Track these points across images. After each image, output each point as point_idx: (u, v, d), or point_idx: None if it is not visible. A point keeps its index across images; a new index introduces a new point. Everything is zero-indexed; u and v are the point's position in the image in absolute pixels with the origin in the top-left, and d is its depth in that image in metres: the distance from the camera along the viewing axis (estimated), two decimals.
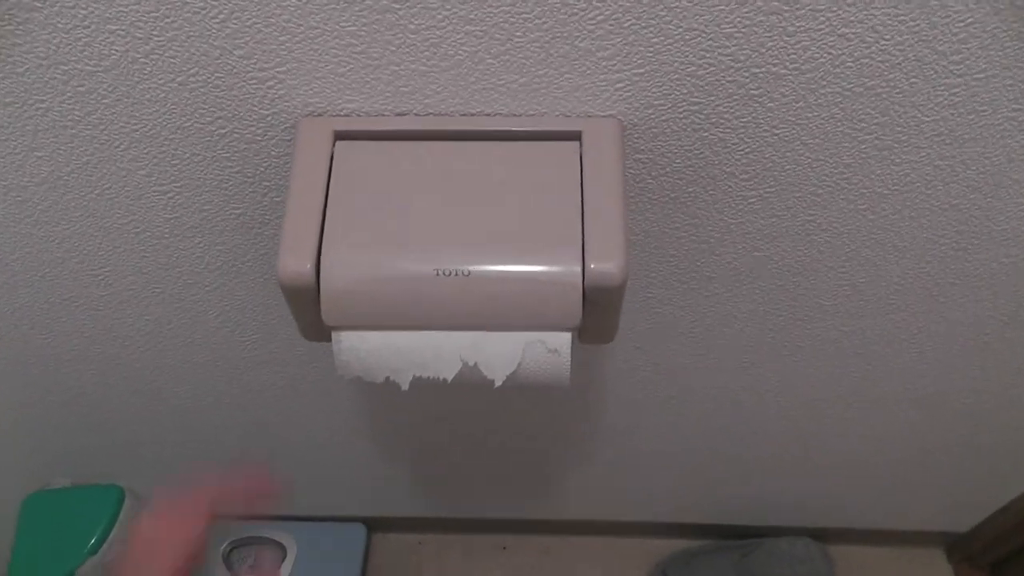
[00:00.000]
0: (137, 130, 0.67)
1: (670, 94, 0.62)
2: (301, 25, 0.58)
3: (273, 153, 0.69)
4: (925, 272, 0.83)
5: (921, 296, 0.87)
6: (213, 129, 0.67)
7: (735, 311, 0.89)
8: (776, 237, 0.78)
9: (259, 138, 0.68)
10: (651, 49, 0.59)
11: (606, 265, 0.59)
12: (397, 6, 0.56)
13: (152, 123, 0.66)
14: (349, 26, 0.58)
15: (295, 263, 0.59)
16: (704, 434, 1.18)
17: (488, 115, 0.64)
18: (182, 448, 1.24)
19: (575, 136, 0.63)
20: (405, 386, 0.62)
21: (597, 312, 0.62)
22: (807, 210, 0.75)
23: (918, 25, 0.57)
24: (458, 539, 1.57)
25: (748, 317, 0.90)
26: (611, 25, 0.57)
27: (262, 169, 0.71)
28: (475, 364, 0.61)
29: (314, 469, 1.32)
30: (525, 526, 1.54)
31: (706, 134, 0.66)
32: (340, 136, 0.64)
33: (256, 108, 0.65)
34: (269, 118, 0.66)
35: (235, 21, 0.58)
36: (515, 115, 0.64)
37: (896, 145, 0.67)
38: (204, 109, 0.65)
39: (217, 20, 0.58)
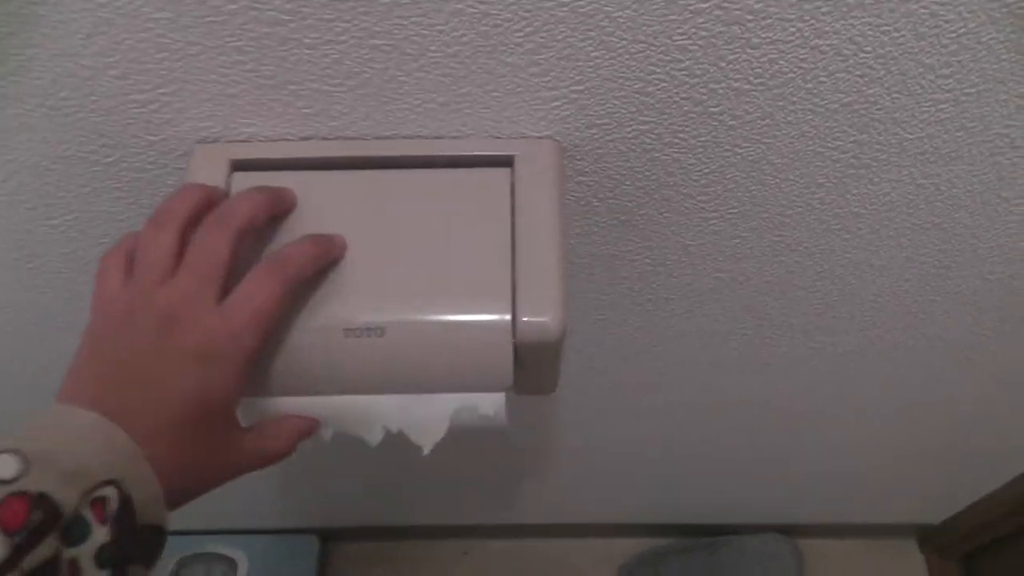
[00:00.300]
0: (12, 160, 0.58)
1: (615, 112, 0.54)
2: (178, 40, 0.49)
3: (168, 182, 0.61)
4: (903, 290, 0.76)
5: (898, 313, 0.79)
6: (97, 158, 0.58)
7: (696, 331, 0.82)
8: (740, 258, 0.70)
9: (151, 166, 0.59)
10: (591, 64, 0.50)
11: (540, 319, 0.50)
12: (286, 18, 0.47)
13: (26, 152, 0.57)
14: (234, 41, 0.49)
15: None
16: (667, 445, 1.11)
17: (406, 138, 0.55)
18: None
19: (507, 161, 0.55)
20: (327, 438, 0.55)
21: (533, 367, 0.54)
22: (774, 231, 0.67)
23: (903, 36, 0.49)
24: (417, 545, 1.50)
25: (710, 336, 0.83)
26: (542, 38, 0.48)
27: (157, 199, 0.62)
28: (400, 431, 0.53)
29: (263, 481, 1.24)
30: (486, 531, 1.48)
31: (658, 155, 0.58)
32: (237, 165, 0.55)
33: (142, 134, 0.56)
34: (158, 144, 0.57)
35: (102, 37, 0.49)
36: (437, 138, 0.55)
37: (875, 164, 0.60)
38: (84, 137, 0.56)
39: (81, 36, 0.49)
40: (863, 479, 1.26)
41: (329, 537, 1.48)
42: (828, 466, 1.20)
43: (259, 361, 0.47)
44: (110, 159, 0.58)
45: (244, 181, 0.54)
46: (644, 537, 1.50)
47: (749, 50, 0.49)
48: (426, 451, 0.54)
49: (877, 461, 1.17)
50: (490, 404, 0.53)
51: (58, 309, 0.76)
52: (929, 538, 1.50)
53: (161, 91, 0.53)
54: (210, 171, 0.55)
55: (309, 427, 0.52)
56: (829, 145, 0.58)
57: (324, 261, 0.50)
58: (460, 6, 0.46)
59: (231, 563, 1.38)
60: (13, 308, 0.76)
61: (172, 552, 1.38)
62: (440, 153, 0.55)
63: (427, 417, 0.53)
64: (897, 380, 0.93)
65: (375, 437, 0.54)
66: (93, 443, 0.39)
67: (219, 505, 1.29)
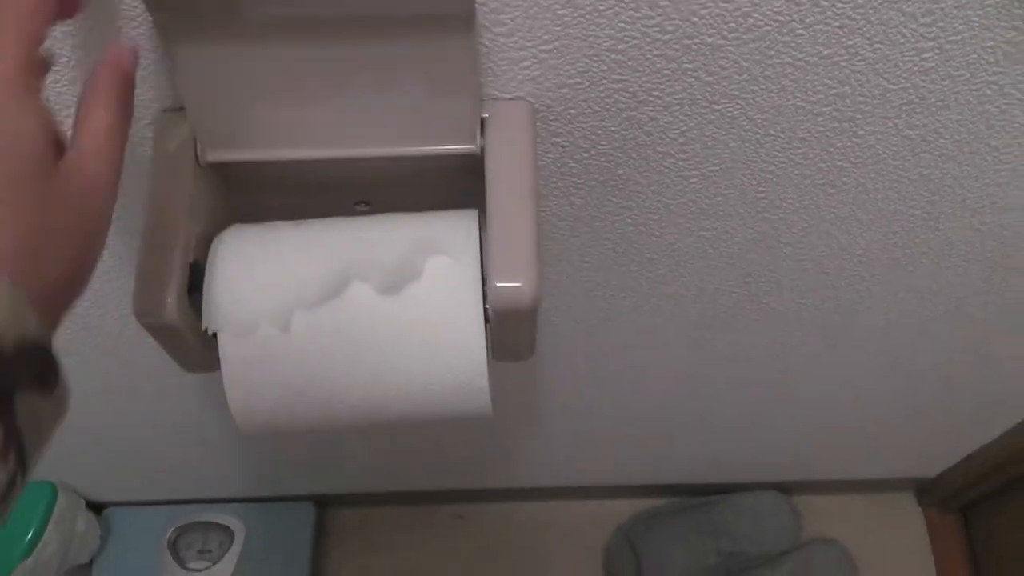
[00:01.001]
0: None
1: (586, 72, 0.52)
2: (136, 7, 0.48)
3: (136, 153, 0.58)
4: (892, 243, 0.74)
5: (887, 267, 0.78)
6: (63, 130, 0.55)
7: (682, 290, 0.80)
8: (723, 216, 0.68)
9: None
10: (558, 22, 0.48)
11: (514, 284, 0.49)
12: None
13: None
14: None
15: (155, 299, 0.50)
16: (659, 405, 1.10)
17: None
18: (108, 446, 1.15)
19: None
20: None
21: (509, 333, 0.53)
22: (757, 188, 0.65)
23: None
24: (411, 511, 1.50)
25: (696, 296, 0.81)
26: None
27: (129, 168, 0.60)
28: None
29: (258, 449, 1.24)
30: (480, 495, 1.48)
31: (634, 113, 0.56)
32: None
33: None
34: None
35: None
36: None
37: (859, 116, 0.58)
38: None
39: None
40: (858, 435, 1.25)
41: (325, 504, 1.47)
42: (822, 422, 1.19)
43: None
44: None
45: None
46: (640, 498, 1.49)
47: (722, 3, 0.47)
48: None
49: (871, 416, 1.16)
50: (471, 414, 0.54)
51: None
52: (927, 491, 1.50)
53: None
54: (173, 140, 0.53)
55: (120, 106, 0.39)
56: (810, 99, 0.56)
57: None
58: None
59: (227, 531, 1.38)
60: None
61: (169, 521, 1.38)
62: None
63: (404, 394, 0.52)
64: (888, 334, 0.92)
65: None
66: None
67: (215, 473, 1.29)
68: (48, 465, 1.25)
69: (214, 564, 1.37)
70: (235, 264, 0.52)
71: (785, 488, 1.46)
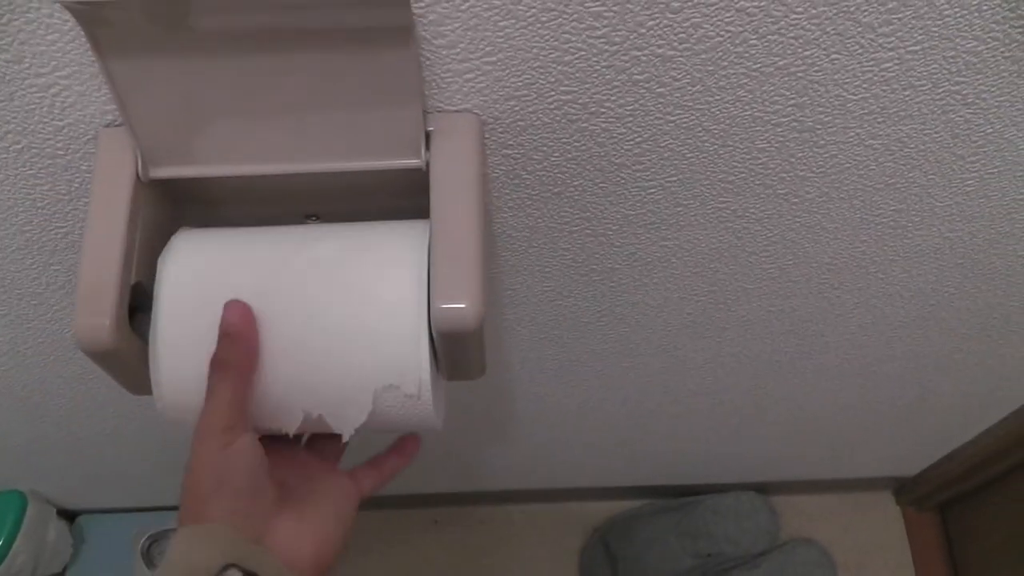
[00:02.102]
0: None
1: (533, 84, 0.50)
2: (67, 21, 0.45)
3: (83, 167, 0.57)
4: (860, 251, 0.73)
5: (857, 274, 0.77)
6: (6, 145, 0.55)
7: (646, 299, 0.79)
8: (684, 226, 0.67)
9: (62, 152, 0.56)
10: (500, 34, 0.46)
11: (457, 305, 0.47)
12: None
13: None
14: None
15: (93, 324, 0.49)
16: (633, 409, 1.09)
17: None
18: (79, 454, 1.13)
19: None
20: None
21: (456, 354, 0.51)
22: (718, 197, 0.64)
23: None
24: (388, 516, 1.48)
25: (662, 304, 0.80)
26: (444, 8, 0.44)
27: (76, 185, 0.59)
28: (319, 416, 0.50)
29: None
30: (456, 498, 1.46)
31: (585, 125, 0.54)
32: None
33: (48, 119, 0.53)
34: (66, 130, 0.54)
35: None
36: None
37: (819, 127, 0.56)
38: None
39: None
40: (835, 435, 1.24)
41: None
42: (799, 424, 1.18)
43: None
44: (19, 145, 0.55)
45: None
46: (617, 500, 1.48)
47: (669, 15, 0.46)
48: (346, 437, 0.50)
49: (848, 418, 1.15)
50: (412, 383, 0.49)
51: None
52: (905, 490, 1.49)
53: (58, 74, 0.49)
54: (116, 156, 0.52)
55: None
56: (767, 109, 0.54)
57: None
58: None
59: None
60: None
61: (143, 529, 1.36)
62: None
63: (347, 400, 0.49)
64: (861, 339, 0.91)
65: (293, 422, 0.50)
66: (194, 544, 0.44)
67: None
68: (18, 473, 1.23)
69: None
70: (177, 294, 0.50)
71: (763, 488, 1.45)
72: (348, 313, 0.48)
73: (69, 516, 1.40)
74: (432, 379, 0.49)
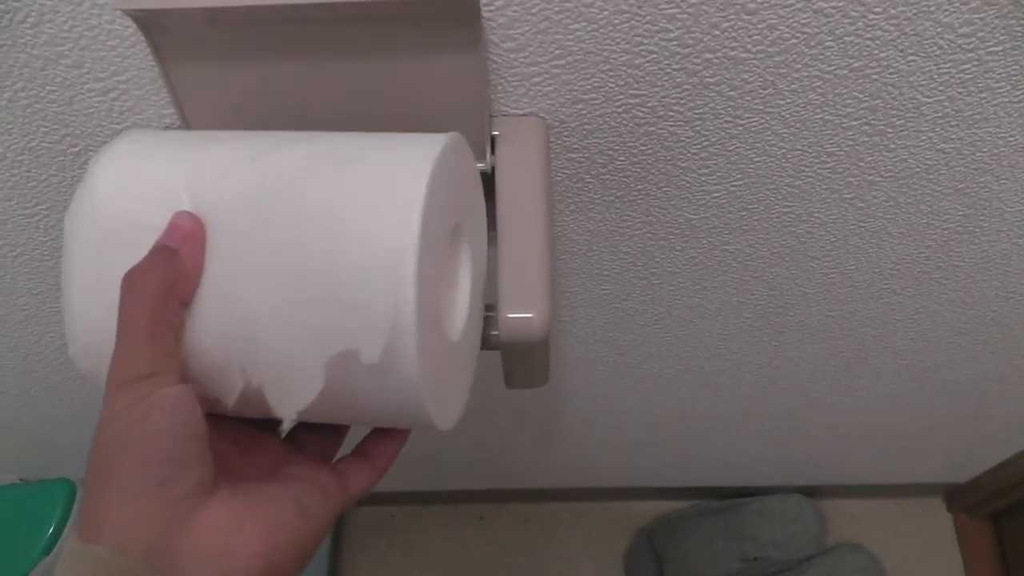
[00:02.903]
0: None
1: (602, 87, 0.49)
2: (128, 27, 0.45)
3: None
4: (924, 256, 0.71)
5: (919, 280, 0.75)
6: (63, 148, 0.55)
7: (705, 303, 0.78)
8: (747, 231, 0.66)
9: None
10: (570, 37, 0.46)
11: (525, 315, 0.47)
12: None
13: None
14: None
15: None
16: (684, 411, 1.08)
17: None
18: None
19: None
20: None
21: (521, 362, 0.50)
22: (783, 202, 0.62)
23: None
24: (432, 511, 1.48)
25: (720, 308, 0.79)
26: (514, 11, 0.44)
27: None
28: (258, 387, 0.36)
29: None
30: (501, 495, 1.46)
31: (653, 128, 0.53)
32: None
33: (105, 123, 0.53)
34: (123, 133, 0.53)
35: (49, 25, 0.45)
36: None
37: (890, 130, 0.55)
38: (46, 127, 0.53)
39: (28, 25, 0.46)
40: (886, 440, 1.22)
41: None
42: (850, 428, 1.16)
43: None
44: (76, 148, 0.55)
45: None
46: (664, 500, 1.47)
47: (745, 16, 0.45)
48: (287, 423, 0.36)
49: (901, 423, 1.13)
50: (377, 348, 0.34)
51: (47, 295, 0.74)
52: (956, 497, 1.47)
53: (118, 79, 0.49)
54: None
55: None
56: (839, 112, 0.53)
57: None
58: None
59: None
60: (2, 296, 0.74)
61: None
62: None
63: (293, 368, 0.35)
64: (920, 345, 0.89)
65: (233, 391, 0.37)
66: None
67: None
68: (67, 462, 1.25)
69: None
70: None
71: (811, 491, 1.43)
72: (309, 238, 0.35)
73: None
74: (419, 349, 0.34)
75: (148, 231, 0.36)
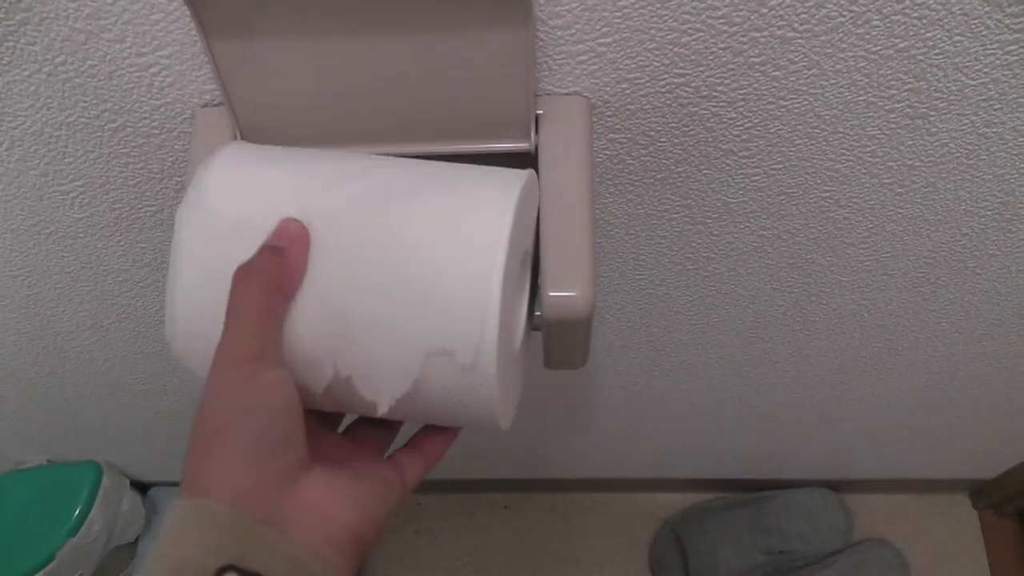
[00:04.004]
0: (16, 128, 0.56)
1: (647, 66, 0.50)
2: (173, 1, 0.46)
3: (177, 147, 0.58)
4: (960, 245, 0.71)
5: (955, 269, 0.75)
6: (101, 123, 0.56)
7: (739, 289, 0.78)
8: (785, 215, 0.66)
9: (157, 131, 0.57)
10: (618, 14, 0.46)
11: (568, 293, 0.47)
12: None
13: (29, 119, 0.55)
14: None
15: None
16: (713, 401, 1.08)
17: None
18: (153, 428, 1.15)
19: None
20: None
21: (563, 342, 0.51)
22: (822, 186, 0.62)
23: None
24: (457, 499, 1.49)
25: (754, 295, 0.79)
26: None
27: (169, 164, 0.60)
28: (348, 378, 0.40)
29: None
30: (527, 485, 1.46)
31: (696, 109, 0.53)
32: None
33: (145, 98, 0.53)
34: (162, 109, 0.54)
35: None
36: None
37: (933, 113, 0.55)
38: (85, 102, 0.54)
39: None
40: (914, 435, 1.21)
41: None
42: (878, 422, 1.16)
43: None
44: (115, 124, 0.56)
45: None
46: (689, 492, 1.47)
47: None
48: (381, 409, 0.41)
49: (929, 417, 1.13)
50: (469, 351, 0.38)
51: (80, 273, 0.75)
52: (983, 494, 1.45)
53: (159, 54, 0.50)
54: (213, 136, 0.52)
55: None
56: (882, 94, 0.53)
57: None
58: None
59: None
60: (36, 274, 0.75)
61: None
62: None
63: (388, 361, 0.39)
64: (951, 337, 0.88)
65: (321, 379, 0.40)
66: (189, 531, 0.34)
67: None
68: (94, 445, 1.26)
69: None
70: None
71: (837, 486, 1.43)
72: (410, 253, 0.39)
73: (142, 488, 1.43)
74: (498, 354, 0.39)
75: (255, 231, 0.40)
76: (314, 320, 0.39)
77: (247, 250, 0.39)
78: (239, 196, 0.42)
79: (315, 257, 0.39)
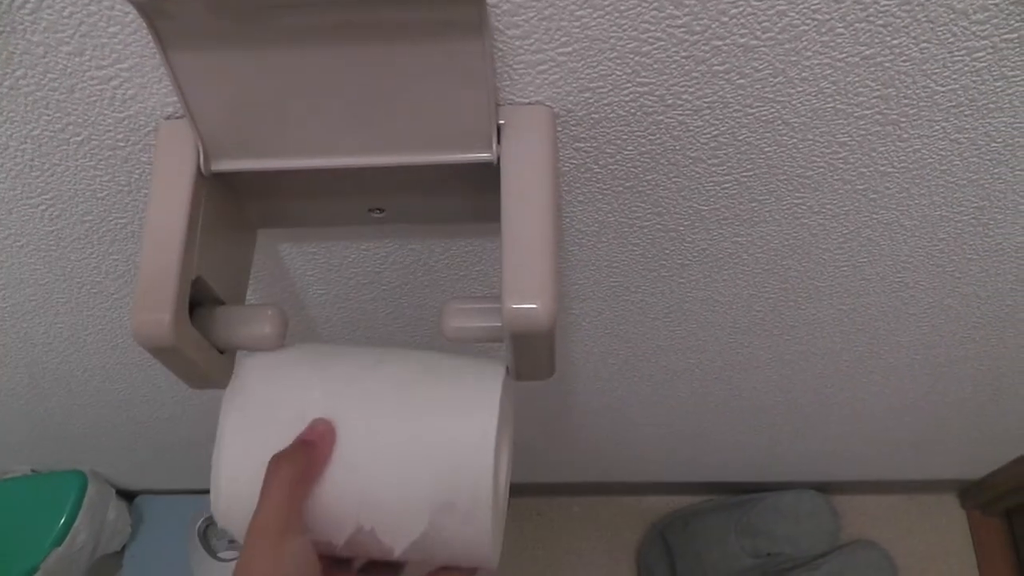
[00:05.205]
0: None
1: (609, 75, 0.49)
2: (128, 13, 0.45)
3: (143, 159, 0.57)
4: (938, 249, 0.70)
5: (933, 273, 0.74)
6: (66, 136, 0.55)
7: (715, 295, 0.77)
8: (758, 222, 0.65)
9: (122, 144, 0.56)
10: (576, 24, 0.45)
11: (529, 306, 0.46)
12: None
13: None
14: None
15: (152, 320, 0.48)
16: (695, 405, 1.07)
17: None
18: (139, 437, 1.14)
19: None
20: None
21: (527, 354, 0.50)
22: (794, 193, 0.62)
23: None
24: None
25: (731, 301, 0.78)
26: None
27: (136, 176, 0.59)
28: (372, 529, 0.49)
29: None
30: (514, 489, 1.44)
31: (661, 118, 0.53)
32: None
33: (108, 112, 0.53)
34: (126, 121, 0.54)
35: (48, 11, 0.45)
36: None
37: (903, 120, 0.54)
38: (48, 115, 0.53)
39: (27, 11, 0.45)
40: (899, 436, 1.21)
41: None
42: (862, 424, 1.15)
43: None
44: (79, 137, 0.55)
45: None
46: (676, 495, 1.47)
47: (754, 2, 0.44)
48: (396, 553, 0.49)
49: (913, 418, 1.12)
50: (468, 501, 0.48)
51: (54, 286, 0.74)
52: (970, 494, 1.45)
53: (119, 67, 0.49)
54: (176, 149, 0.51)
55: None
56: (851, 101, 0.52)
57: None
58: None
59: None
60: (10, 286, 0.74)
61: (200, 511, 1.38)
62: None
63: (402, 514, 0.49)
64: (932, 339, 0.88)
65: (343, 533, 0.49)
66: None
67: None
68: (80, 453, 1.25)
69: None
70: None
71: (824, 487, 1.42)
72: (415, 433, 0.49)
73: (128, 496, 1.42)
74: (491, 507, 0.49)
75: (287, 422, 0.48)
76: (340, 486, 0.48)
77: (282, 437, 0.48)
78: (276, 385, 0.51)
79: (341, 436, 0.48)
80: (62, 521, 1.25)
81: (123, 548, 1.41)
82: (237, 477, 0.49)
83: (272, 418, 0.49)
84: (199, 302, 0.52)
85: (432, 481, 0.48)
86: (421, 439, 0.48)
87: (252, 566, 0.44)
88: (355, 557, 0.54)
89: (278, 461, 0.46)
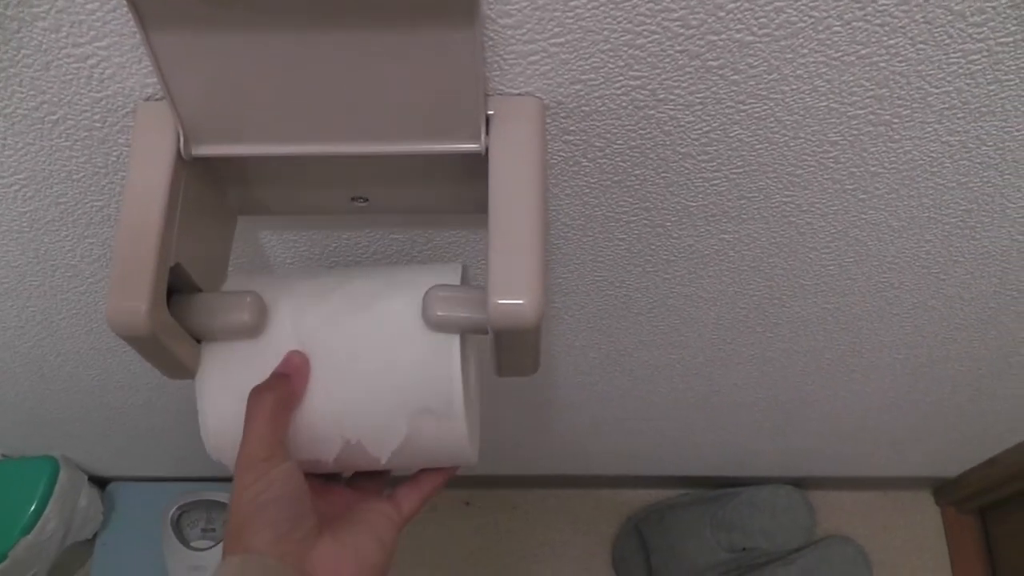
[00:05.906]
0: None
1: (601, 67, 0.48)
2: None
3: (120, 141, 0.56)
4: (924, 251, 0.70)
5: (918, 274, 0.74)
6: (41, 115, 0.53)
7: (700, 292, 0.76)
8: (746, 219, 0.64)
9: (99, 125, 0.54)
10: (570, 15, 0.44)
11: (515, 301, 0.45)
12: None
13: None
14: None
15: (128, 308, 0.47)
16: (675, 400, 1.07)
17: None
18: (112, 423, 1.13)
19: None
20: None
21: (512, 350, 0.49)
22: (783, 191, 0.61)
23: None
24: None
25: (716, 298, 0.78)
26: None
27: (113, 159, 0.58)
28: (358, 442, 0.52)
29: None
30: (488, 481, 1.45)
31: (653, 112, 0.52)
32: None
33: (84, 91, 0.51)
34: (104, 102, 0.52)
35: None
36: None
37: (895, 121, 0.54)
38: (22, 93, 0.51)
39: None
40: (877, 433, 1.21)
41: None
42: (841, 421, 1.15)
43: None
44: (55, 116, 0.53)
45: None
46: (653, 488, 1.46)
47: None
48: (383, 461, 0.53)
49: (892, 417, 1.13)
50: (443, 403, 0.51)
51: (27, 268, 0.72)
52: (945, 491, 1.46)
53: (97, 45, 0.48)
54: (154, 132, 0.50)
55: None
56: (844, 100, 0.52)
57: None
58: None
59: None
60: None
61: (173, 499, 1.36)
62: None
63: (384, 426, 0.52)
64: (914, 339, 0.88)
65: (332, 450, 0.53)
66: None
67: None
68: (51, 439, 1.23)
69: (217, 543, 1.35)
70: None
71: (801, 483, 1.43)
72: (384, 346, 0.51)
73: (100, 483, 1.40)
74: (464, 404, 0.51)
75: (264, 357, 0.51)
76: (322, 407, 0.51)
77: (259, 369, 0.51)
78: None
79: (316, 363, 0.51)
80: (32, 508, 1.23)
81: (94, 536, 1.39)
82: (222, 414, 0.51)
83: (249, 354, 0.51)
84: (176, 289, 0.51)
85: (406, 389, 0.50)
86: (390, 351, 0.50)
87: (243, 495, 0.47)
88: (344, 471, 0.58)
89: (257, 394, 0.49)
